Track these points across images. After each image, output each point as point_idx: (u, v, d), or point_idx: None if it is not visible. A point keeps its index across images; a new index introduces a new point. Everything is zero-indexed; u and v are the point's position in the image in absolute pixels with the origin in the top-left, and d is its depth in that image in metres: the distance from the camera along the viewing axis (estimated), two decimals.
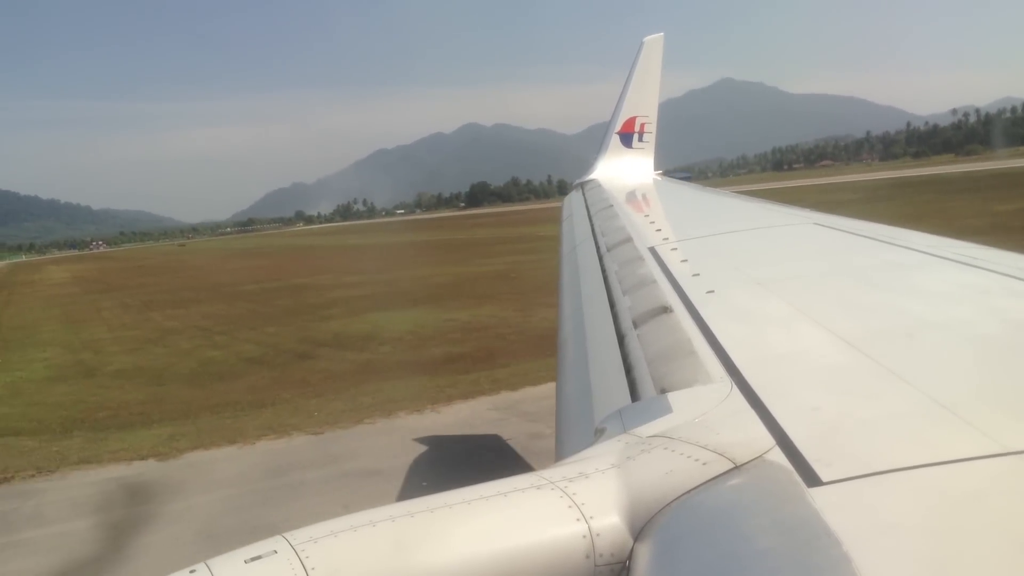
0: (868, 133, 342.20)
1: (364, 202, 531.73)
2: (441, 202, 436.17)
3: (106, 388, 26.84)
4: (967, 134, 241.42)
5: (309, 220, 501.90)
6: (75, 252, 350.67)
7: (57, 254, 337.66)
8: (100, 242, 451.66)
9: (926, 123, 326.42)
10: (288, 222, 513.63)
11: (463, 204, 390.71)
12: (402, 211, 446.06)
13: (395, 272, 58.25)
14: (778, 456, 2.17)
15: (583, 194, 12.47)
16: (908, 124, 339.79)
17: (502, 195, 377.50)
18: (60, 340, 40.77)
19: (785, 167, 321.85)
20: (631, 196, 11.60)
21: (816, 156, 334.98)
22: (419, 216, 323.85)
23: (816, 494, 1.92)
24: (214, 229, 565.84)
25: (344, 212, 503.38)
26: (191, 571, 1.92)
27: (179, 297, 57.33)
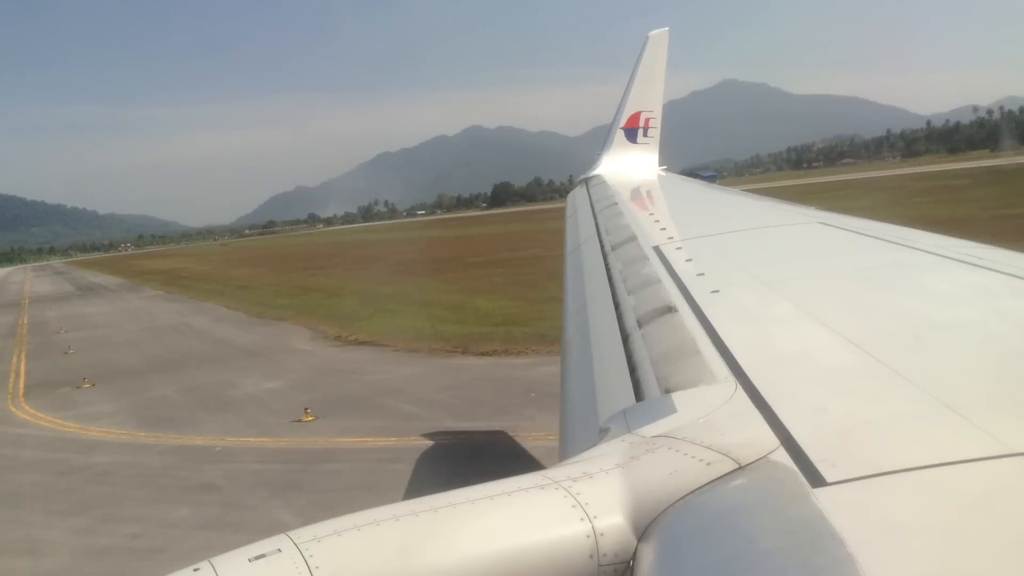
0: (888, 131, 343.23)
1: (385, 203, 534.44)
2: (461, 203, 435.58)
3: None
4: (990, 131, 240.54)
5: (329, 222, 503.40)
6: (101, 254, 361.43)
7: (82, 256, 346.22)
8: (128, 244, 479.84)
9: (946, 121, 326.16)
10: (309, 224, 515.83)
11: (484, 204, 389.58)
12: (422, 212, 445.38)
13: None
14: (783, 457, 2.17)
15: (587, 190, 12.41)
16: (928, 123, 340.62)
17: (526, 195, 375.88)
18: (437, 287, 45.46)
19: (804, 166, 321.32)
20: (636, 193, 11.55)
21: (836, 155, 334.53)
22: (455, 215, 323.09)
23: (820, 495, 1.92)
24: (234, 232, 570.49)
25: (365, 213, 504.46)
26: (195, 569, 1.92)
27: (441, 267, 59.71)
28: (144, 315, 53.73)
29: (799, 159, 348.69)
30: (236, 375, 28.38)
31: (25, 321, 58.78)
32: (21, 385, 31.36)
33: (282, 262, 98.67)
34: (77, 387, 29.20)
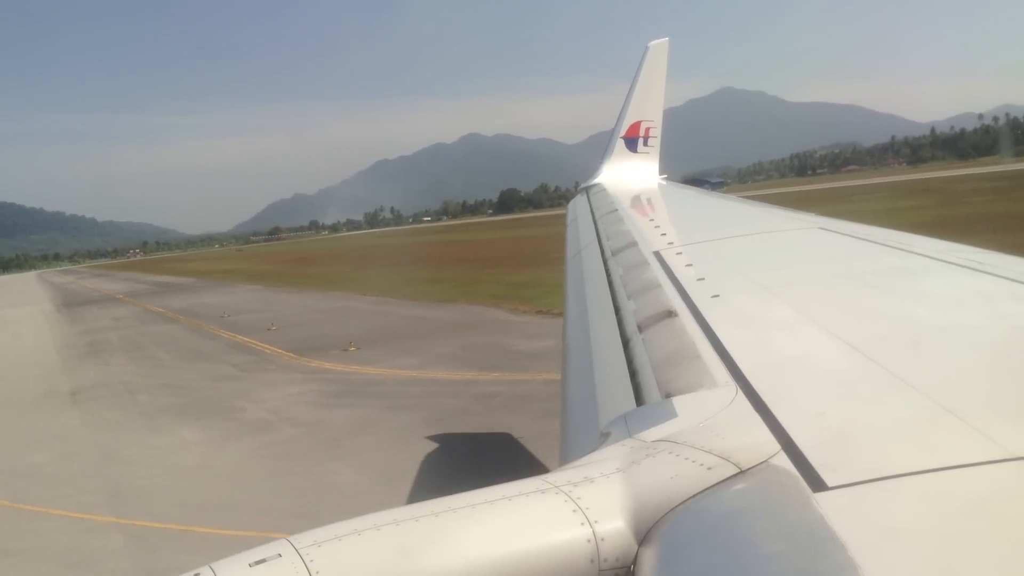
0: (893, 138, 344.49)
1: (391, 210, 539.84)
2: (466, 209, 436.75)
3: None
4: (995, 138, 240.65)
5: (335, 229, 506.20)
6: (108, 260, 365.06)
7: (92, 263, 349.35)
8: (137, 250, 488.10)
9: (951, 127, 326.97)
10: (314, 231, 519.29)
11: (491, 211, 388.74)
12: (428, 218, 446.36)
13: None
14: (783, 461, 2.16)
15: (588, 198, 12.43)
16: (933, 129, 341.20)
17: (533, 201, 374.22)
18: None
19: (809, 173, 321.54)
20: (636, 200, 11.56)
21: (841, 161, 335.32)
22: (465, 221, 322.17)
23: (821, 499, 1.92)
24: (239, 239, 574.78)
25: (371, 220, 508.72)
26: (195, 574, 1.92)
27: (535, 261, 58.11)
28: (283, 303, 51.69)
29: (803, 166, 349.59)
30: (493, 338, 28.40)
31: (158, 311, 56.60)
32: (281, 351, 31.38)
33: (340, 262, 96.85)
34: (345, 350, 29.37)
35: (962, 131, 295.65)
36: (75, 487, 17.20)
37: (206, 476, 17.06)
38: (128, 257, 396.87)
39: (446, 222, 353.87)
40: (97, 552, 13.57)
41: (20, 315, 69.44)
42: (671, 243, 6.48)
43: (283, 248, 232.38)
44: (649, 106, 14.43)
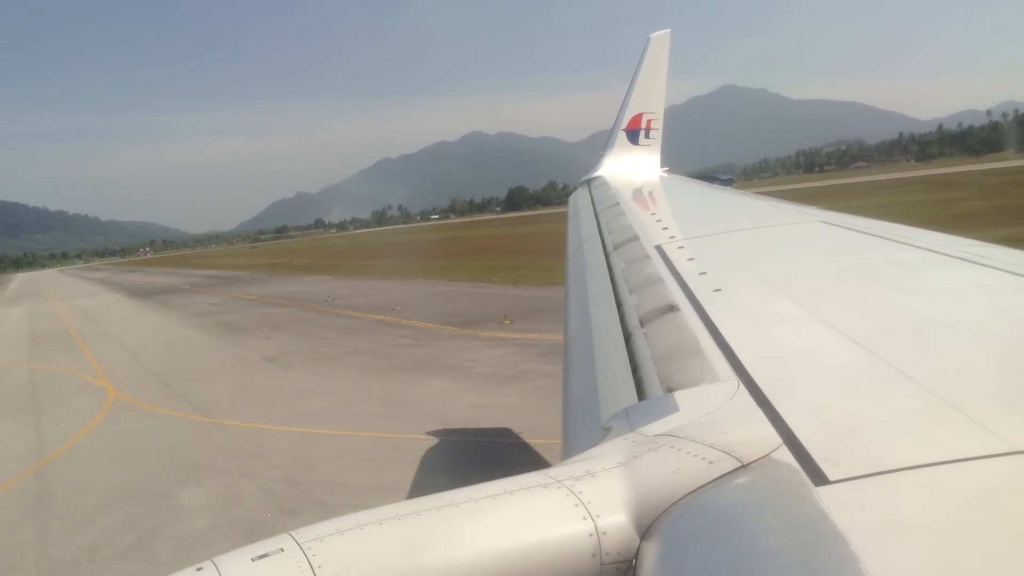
0: (900, 134, 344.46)
1: (399, 208, 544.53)
2: (473, 207, 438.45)
3: None
4: (1005, 133, 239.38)
5: (342, 227, 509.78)
6: (118, 259, 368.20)
7: (103, 261, 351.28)
8: (148, 248, 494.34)
9: (959, 124, 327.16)
10: (321, 229, 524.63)
11: (499, 208, 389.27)
12: (436, 216, 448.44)
13: None
14: (785, 455, 2.16)
15: (589, 191, 12.41)
16: (940, 126, 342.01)
17: (541, 199, 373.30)
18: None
19: (816, 169, 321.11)
20: (638, 193, 11.54)
21: (848, 158, 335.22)
22: (477, 218, 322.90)
23: (823, 493, 1.92)
24: (246, 237, 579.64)
25: (379, 218, 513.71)
26: (198, 569, 1.93)
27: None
28: (375, 290, 49.79)
29: (810, 163, 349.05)
30: None
31: (248, 297, 55.79)
32: (435, 325, 31.65)
33: (382, 255, 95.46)
34: (501, 323, 29.89)
35: (970, 127, 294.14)
36: (393, 420, 17.22)
37: (513, 409, 17.14)
38: (139, 255, 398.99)
39: (455, 219, 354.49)
40: (497, 455, 13.89)
41: (104, 303, 68.01)
42: (673, 237, 6.48)
43: (301, 245, 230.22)
44: (651, 98, 14.38)
